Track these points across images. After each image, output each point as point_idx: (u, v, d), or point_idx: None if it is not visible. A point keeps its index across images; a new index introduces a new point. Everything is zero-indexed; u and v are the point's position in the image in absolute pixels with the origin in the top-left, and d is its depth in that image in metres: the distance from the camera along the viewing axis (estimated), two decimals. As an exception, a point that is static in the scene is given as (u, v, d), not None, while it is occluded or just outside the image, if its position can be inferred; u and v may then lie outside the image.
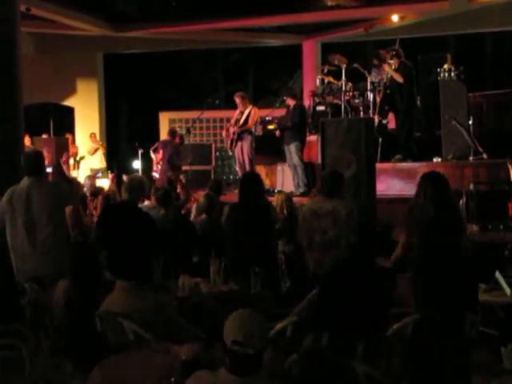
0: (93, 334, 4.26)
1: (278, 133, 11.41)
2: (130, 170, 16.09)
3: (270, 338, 3.75)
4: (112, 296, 4.34)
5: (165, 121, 17.24)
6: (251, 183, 6.42)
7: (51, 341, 4.93)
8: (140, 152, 14.54)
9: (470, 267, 4.64)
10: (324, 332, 2.83)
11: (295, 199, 10.03)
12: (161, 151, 12.78)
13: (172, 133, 13.36)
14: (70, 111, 17.90)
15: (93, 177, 12.61)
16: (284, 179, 11.78)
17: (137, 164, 15.26)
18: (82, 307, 4.54)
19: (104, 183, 13.90)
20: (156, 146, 13.26)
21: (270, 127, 11.90)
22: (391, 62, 11.08)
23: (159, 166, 12.96)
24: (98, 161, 16.21)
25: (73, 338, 4.38)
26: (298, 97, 11.84)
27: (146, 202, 8.54)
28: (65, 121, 18.02)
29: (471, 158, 10.48)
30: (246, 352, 2.90)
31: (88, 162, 16.32)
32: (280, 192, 9.12)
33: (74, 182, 10.31)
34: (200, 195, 9.28)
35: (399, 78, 10.89)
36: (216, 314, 4.05)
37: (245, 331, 2.96)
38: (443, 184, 5.42)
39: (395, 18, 14.65)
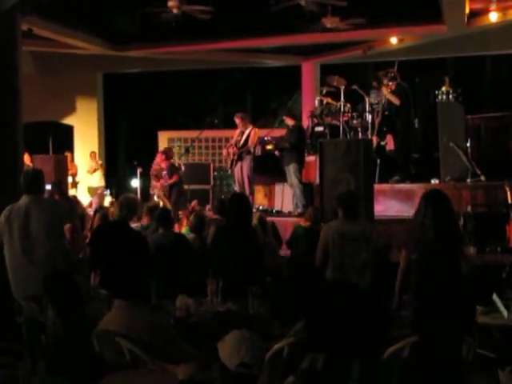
0: (89, 354, 4.25)
1: (277, 152, 11.46)
2: (128, 189, 16.12)
3: (268, 359, 3.74)
4: (109, 315, 4.34)
5: (164, 140, 17.29)
6: (240, 204, 6.43)
7: (47, 360, 4.90)
8: (139, 171, 14.56)
9: (469, 288, 4.64)
10: (320, 354, 2.82)
11: (291, 220, 10.09)
12: (175, 176, 12.84)
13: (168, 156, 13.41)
14: (69, 130, 17.94)
15: (101, 194, 12.63)
16: (284, 199, 11.79)
17: (135, 183, 15.28)
18: (79, 326, 4.53)
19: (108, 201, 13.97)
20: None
21: (269, 147, 11.94)
22: (389, 84, 11.16)
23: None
24: (96, 179, 16.23)
25: (69, 357, 4.36)
26: (298, 117, 11.89)
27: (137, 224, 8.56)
28: (64, 139, 18.04)
29: (469, 180, 10.50)
30: (252, 373, 2.89)
31: (87, 180, 16.35)
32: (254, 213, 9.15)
33: (73, 200, 10.33)
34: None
35: (395, 101, 10.97)
36: (213, 334, 4.04)
37: (251, 352, 2.95)
38: (446, 203, 5.37)
39: (394, 40, 14.77)
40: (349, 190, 6.97)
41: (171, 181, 12.73)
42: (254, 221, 7.55)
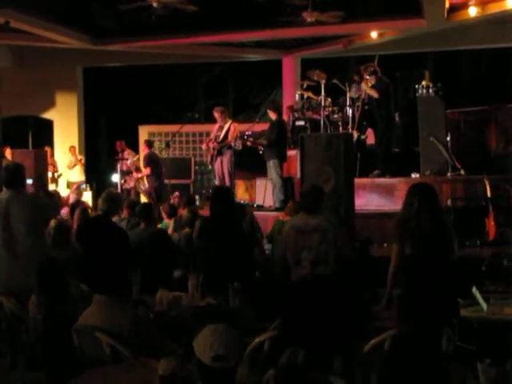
0: (69, 349, 4.23)
1: (259, 148, 11.48)
2: (108, 184, 16.02)
3: (248, 353, 3.75)
4: (89, 310, 4.32)
5: (144, 134, 17.21)
6: (222, 197, 6.39)
7: (27, 355, 4.88)
8: (119, 165, 14.49)
9: (456, 280, 4.67)
10: (300, 347, 2.83)
11: (272, 214, 10.10)
12: (148, 168, 12.88)
13: (150, 143, 13.51)
14: (49, 124, 17.81)
15: (78, 189, 12.57)
16: (265, 193, 11.79)
17: (115, 177, 15.20)
18: (59, 321, 4.50)
19: (88, 196, 13.92)
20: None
21: (249, 143, 11.93)
22: (368, 78, 11.19)
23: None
24: (76, 174, 16.14)
25: (49, 353, 4.34)
26: (280, 111, 11.89)
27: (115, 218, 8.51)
28: (44, 134, 17.90)
29: (449, 174, 10.56)
30: (228, 366, 2.90)
31: (67, 175, 16.25)
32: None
33: (55, 196, 10.25)
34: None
35: (374, 94, 11.01)
36: (193, 328, 4.04)
37: (225, 345, 2.96)
38: (436, 196, 5.33)
39: (374, 34, 14.78)
40: (312, 185, 6.95)
41: (144, 173, 12.82)
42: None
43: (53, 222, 6.53)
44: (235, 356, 2.98)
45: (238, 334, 3.12)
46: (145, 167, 13.30)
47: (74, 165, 16.11)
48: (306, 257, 6.07)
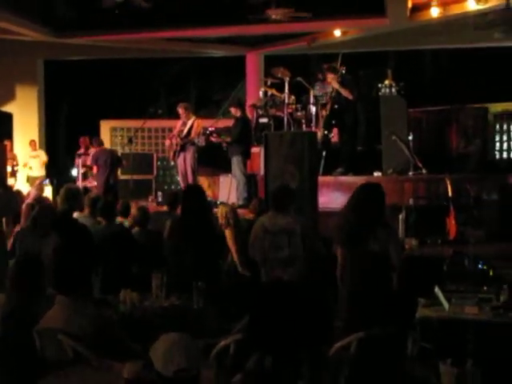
0: (30, 351, 4.16)
1: (224, 144, 11.44)
2: (68, 179, 15.82)
3: (214, 356, 3.72)
4: (51, 311, 4.25)
5: (106, 129, 17.04)
6: (194, 196, 6.34)
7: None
8: (79, 161, 14.32)
9: (407, 279, 4.69)
10: (267, 351, 2.81)
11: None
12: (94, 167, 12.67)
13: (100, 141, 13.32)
14: (8, 118, 17.49)
15: (40, 185, 12.29)
16: (229, 190, 11.76)
17: (75, 172, 15.04)
18: (19, 322, 4.42)
19: (48, 191, 13.68)
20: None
21: (213, 139, 11.88)
22: (335, 76, 11.21)
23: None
24: (36, 169, 15.90)
25: (9, 356, 4.25)
26: (244, 107, 11.87)
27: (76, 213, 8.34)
28: (3, 127, 17.58)
29: (411, 173, 10.66)
30: (191, 374, 2.86)
31: (26, 169, 16.01)
32: (224, 204, 9.08)
33: (13, 190, 10.06)
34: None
35: (348, 95, 11.04)
36: (158, 330, 4.00)
37: (185, 356, 2.90)
38: (368, 195, 5.27)
39: (338, 32, 14.85)
40: (281, 184, 6.92)
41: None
42: (224, 213, 7.40)
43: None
44: (198, 364, 2.94)
45: (197, 341, 3.08)
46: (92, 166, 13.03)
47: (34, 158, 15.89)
48: (275, 257, 6.07)
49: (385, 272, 5.00)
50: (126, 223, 8.14)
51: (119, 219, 8.45)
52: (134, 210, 8.08)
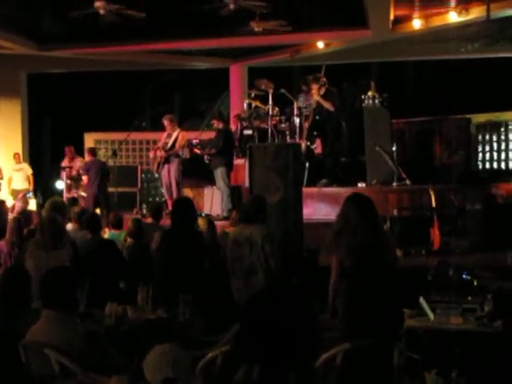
0: (16, 366, 4.13)
1: (206, 156, 11.44)
2: (53, 191, 15.77)
3: (201, 368, 3.72)
4: (37, 325, 4.22)
5: (90, 142, 16.98)
6: (184, 208, 6.35)
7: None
8: (64, 173, 14.28)
9: (398, 292, 4.71)
10: (255, 363, 2.82)
11: (219, 223, 10.05)
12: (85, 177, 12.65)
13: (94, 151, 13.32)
14: (-9, 131, 17.40)
15: (24, 197, 12.21)
16: (212, 202, 11.77)
17: (60, 185, 14.99)
18: (4, 336, 4.39)
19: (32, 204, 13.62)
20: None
21: (198, 151, 11.89)
22: (318, 88, 11.27)
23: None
24: (20, 182, 15.81)
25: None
26: (226, 120, 11.90)
27: (69, 225, 8.33)
28: (-15, 141, 17.48)
29: (395, 184, 10.73)
30: None
31: (8, 182, 15.92)
32: (203, 217, 9.06)
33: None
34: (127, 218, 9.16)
35: (330, 107, 11.11)
36: (144, 344, 3.99)
37: (173, 366, 2.91)
38: (373, 206, 5.34)
39: (321, 44, 14.94)
40: (253, 195, 6.94)
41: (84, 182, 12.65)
42: (203, 226, 7.39)
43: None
44: (186, 375, 2.95)
45: (187, 352, 3.09)
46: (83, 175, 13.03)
47: (18, 171, 15.81)
48: (239, 266, 6.13)
49: (394, 282, 5.02)
50: (122, 235, 8.12)
51: (113, 231, 8.44)
52: (128, 223, 8.05)
